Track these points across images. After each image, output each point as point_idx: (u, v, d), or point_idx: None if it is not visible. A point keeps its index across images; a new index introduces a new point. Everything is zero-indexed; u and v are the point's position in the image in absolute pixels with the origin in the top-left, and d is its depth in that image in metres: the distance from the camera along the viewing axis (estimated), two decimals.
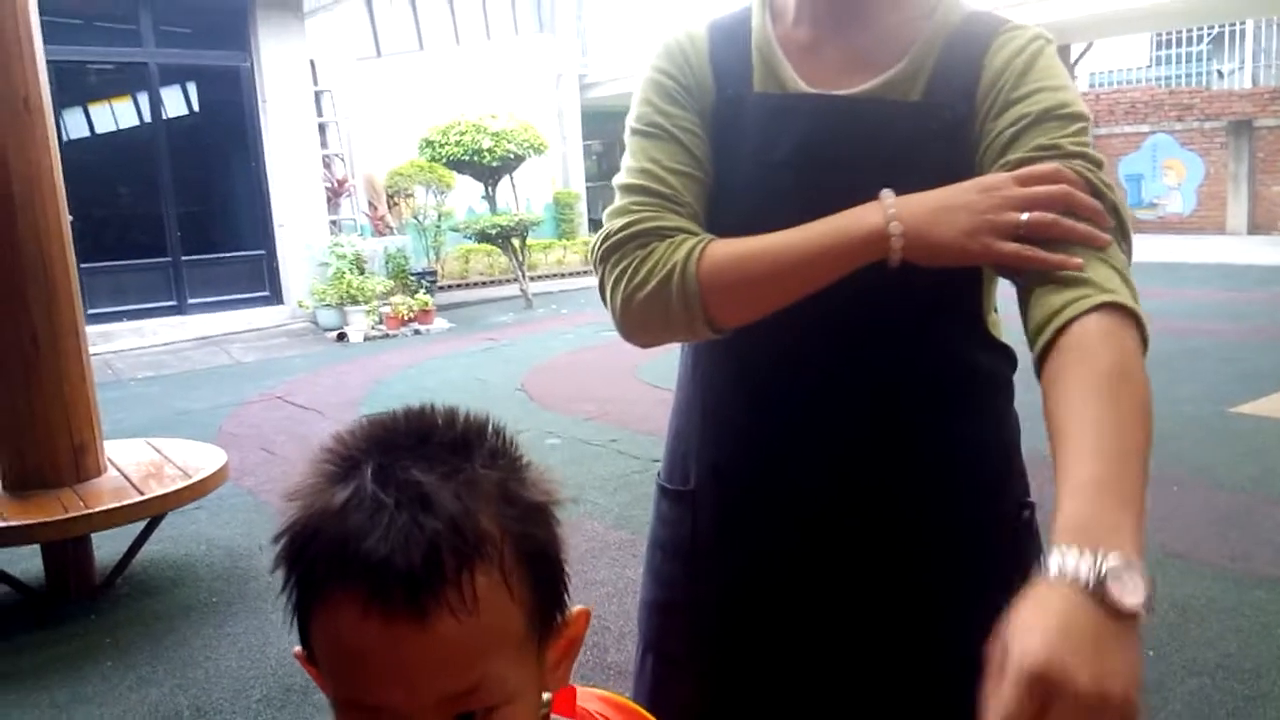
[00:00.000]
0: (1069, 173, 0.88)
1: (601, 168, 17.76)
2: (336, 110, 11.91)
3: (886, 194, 0.90)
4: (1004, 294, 1.00)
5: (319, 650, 0.59)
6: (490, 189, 11.21)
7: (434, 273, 11.67)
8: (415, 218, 12.18)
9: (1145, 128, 15.65)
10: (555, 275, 13.51)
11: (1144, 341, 0.82)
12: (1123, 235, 0.89)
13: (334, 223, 11.32)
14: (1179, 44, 21.71)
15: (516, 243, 11.12)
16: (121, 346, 9.32)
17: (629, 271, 0.96)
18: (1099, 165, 0.91)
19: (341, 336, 9.63)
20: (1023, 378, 1.00)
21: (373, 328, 9.78)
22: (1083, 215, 0.87)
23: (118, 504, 3.28)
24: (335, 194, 11.56)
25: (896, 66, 0.98)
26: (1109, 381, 0.76)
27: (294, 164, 10.57)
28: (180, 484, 3.42)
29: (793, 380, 1.01)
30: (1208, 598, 3.06)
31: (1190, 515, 3.76)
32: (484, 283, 12.94)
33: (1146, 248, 10.91)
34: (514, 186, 11.54)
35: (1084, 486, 0.68)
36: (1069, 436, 0.74)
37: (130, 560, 3.62)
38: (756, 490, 1.04)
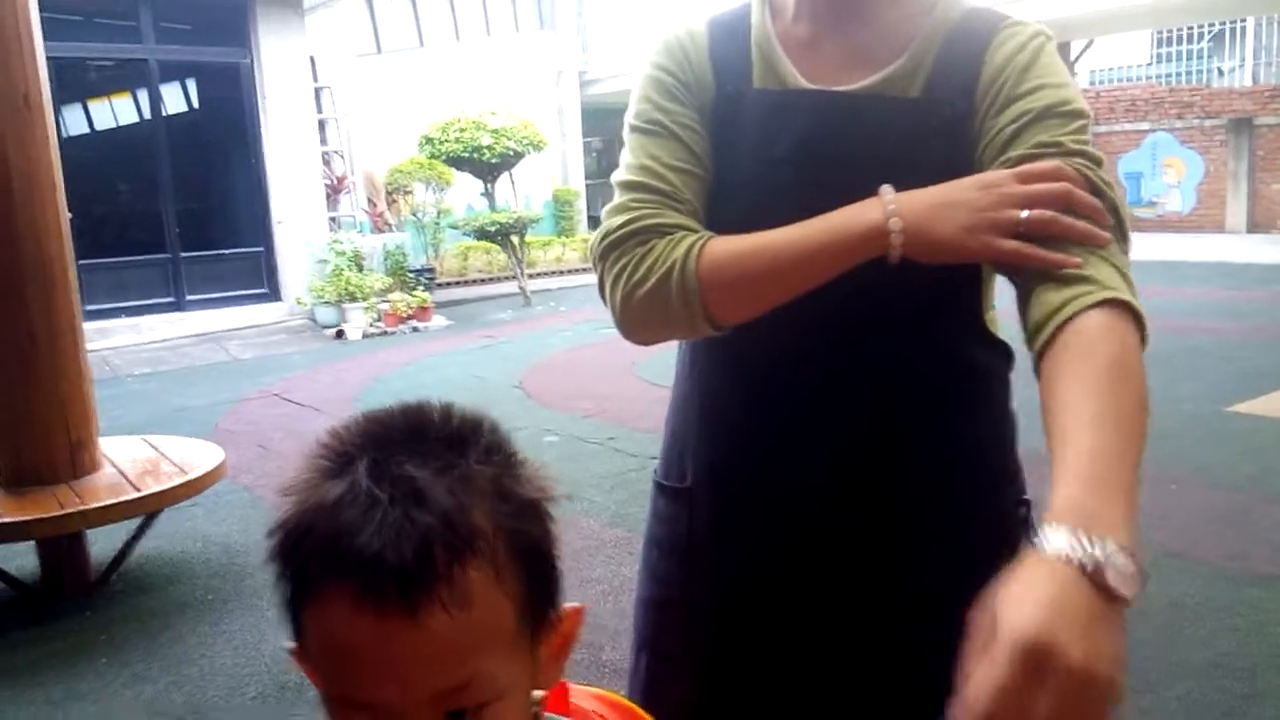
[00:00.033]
0: (1069, 170, 0.88)
1: (601, 165, 17.76)
2: (336, 107, 11.90)
3: (886, 190, 0.90)
4: (1001, 291, 1.00)
5: (311, 646, 0.59)
6: (489, 186, 11.21)
7: (432, 270, 11.66)
8: (414, 215, 12.18)
9: (1145, 125, 15.65)
10: (554, 273, 13.51)
11: (1143, 339, 0.82)
12: (1121, 234, 0.89)
13: (333, 219, 11.31)
14: (1179, 41, 21.71)
15: (515, 240, 11.12)
16: (119, 343, 9.32)
17: (628, 269, 0.96)
18: (1099, 163, 0.91)
19: (340, 334, 9.63)
20: (1020, 376, 1.00)
21: (371, 325, 9.78)
22: (1082, 213, 0.87)
23: (114, 500, 3.28)
24: (334, 191, 11.55)
25: (896, 63, 0.98)
26: (1108, 376, 0.76)
27: (293, 161, 10.57)
28: (177, 481, 3.42)
29: (792, 377, 1.01)
30: (1204, 596, 3.05)
31: (1188, 514, 3.76)
32: (482, 280, 12.94)
33: (1146, 246, 10.93)
34: (513, 183, 11.53)
35: (1081, 474, 0.69)
36: (1067, 428, 0.74)
37: (126, 557, 3.62)
38: (753, 488, 1.04)
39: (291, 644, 0.62)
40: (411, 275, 10.93)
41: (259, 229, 10.71)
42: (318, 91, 11.43)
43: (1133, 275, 0.87)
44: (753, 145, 0.99)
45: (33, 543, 3.47)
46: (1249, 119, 14.57)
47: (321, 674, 0.59)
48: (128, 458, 3.72)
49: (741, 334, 0.97)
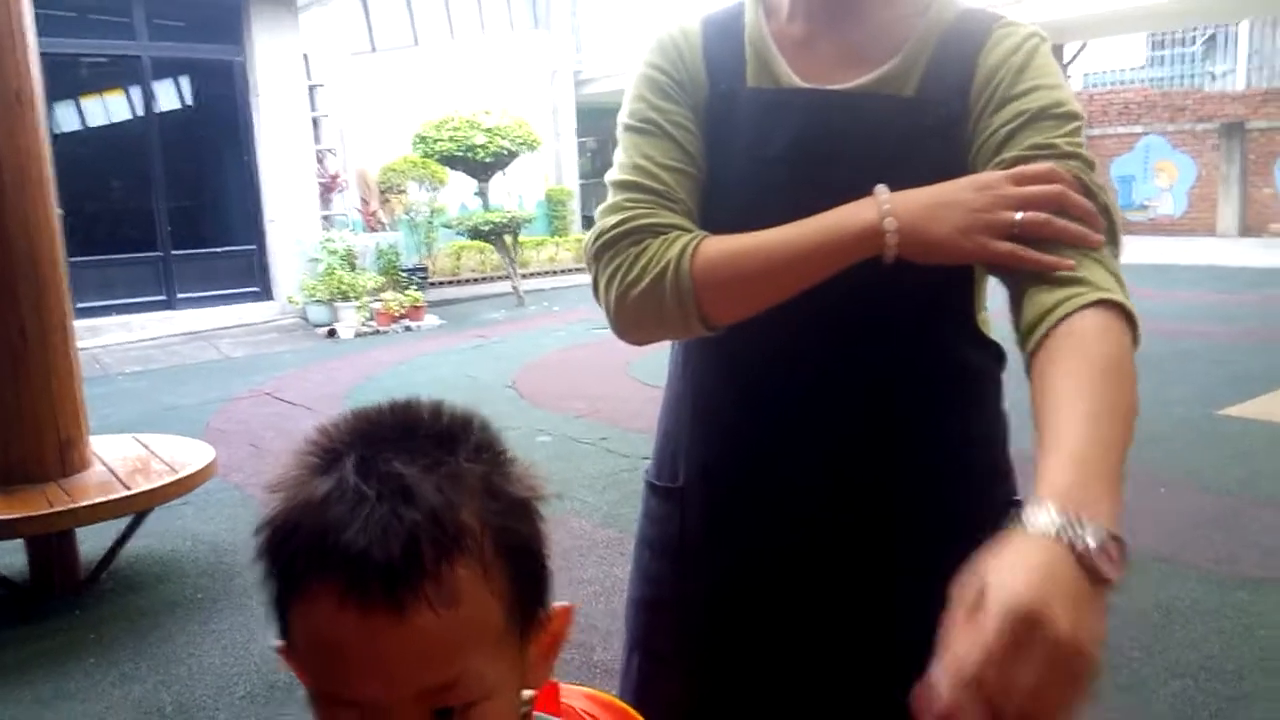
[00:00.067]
0: (1064, 173, 0.88)
1: (595, 165, 17.75)
2: (330, 105, 11.87)
3: (881, 190, 0.90)
4: (993, 292, 1.00)
5: (298, 643, 0.59)
6: (483, 185, 11.20)
7: (425, 269, 11.64)
8: (407, 214, 12.15)
9: (1138, 129, 15.71)
10: (547, 272, 13.50)
11: (1135, 340, 0.83)
12: (1113, 237, 0.90)
13: (326, 218, 11.29)
14: (1172, 45, 21.79)
15: (509, 239, 11.11)
16: (109, 341, 9.28)
17: (623, 269, 0.96)
18: (1091, 166, 0.91)
19: (332, 333, 9.60)
20: (1012, 377, 1.00)
21: (363, 324, 9.75)
22: (1076, 216, 0.87)
23: (103, 499, 3.26)
24: (327, 189, 11.52)
25: (890, 62, 0.98)
26: (1101, 373, 0.77)
27: (286, 159, 10.54)
28: (167, 479, 3.41)
29: (786, 377, 1.01)
30: (1192, 599, 3.07)
31: (1177, 517, 3.77)
32: (476, 279, 12.92)
33: (1138, 249, 10.97)
34: (507, 183, 11.52)
35: (1071, 464, 0.70)
36: (1058, 420, 0.75)
37: (115, 556, 3.61)
38: (745, 488, 1.04)
39: (279, 642, 0.62)
40: (404, 274, 10.91)
41: (251, 227, 10.68)
42: (311, 89, 11.40)
43: (1124, 278, 0.87)
44: (746, 144, 0.99)
45: (21, 541, 3.46)
46: (1241, 123, 14.63)
47: (308, 671, 0.59)
48: (118, 456, 3.70)
49: (735, 334, 0.97)
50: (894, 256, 0.89)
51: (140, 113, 10.41)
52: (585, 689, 0.82)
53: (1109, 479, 0.69)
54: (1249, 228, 14.65)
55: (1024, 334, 0.86)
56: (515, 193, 12.89)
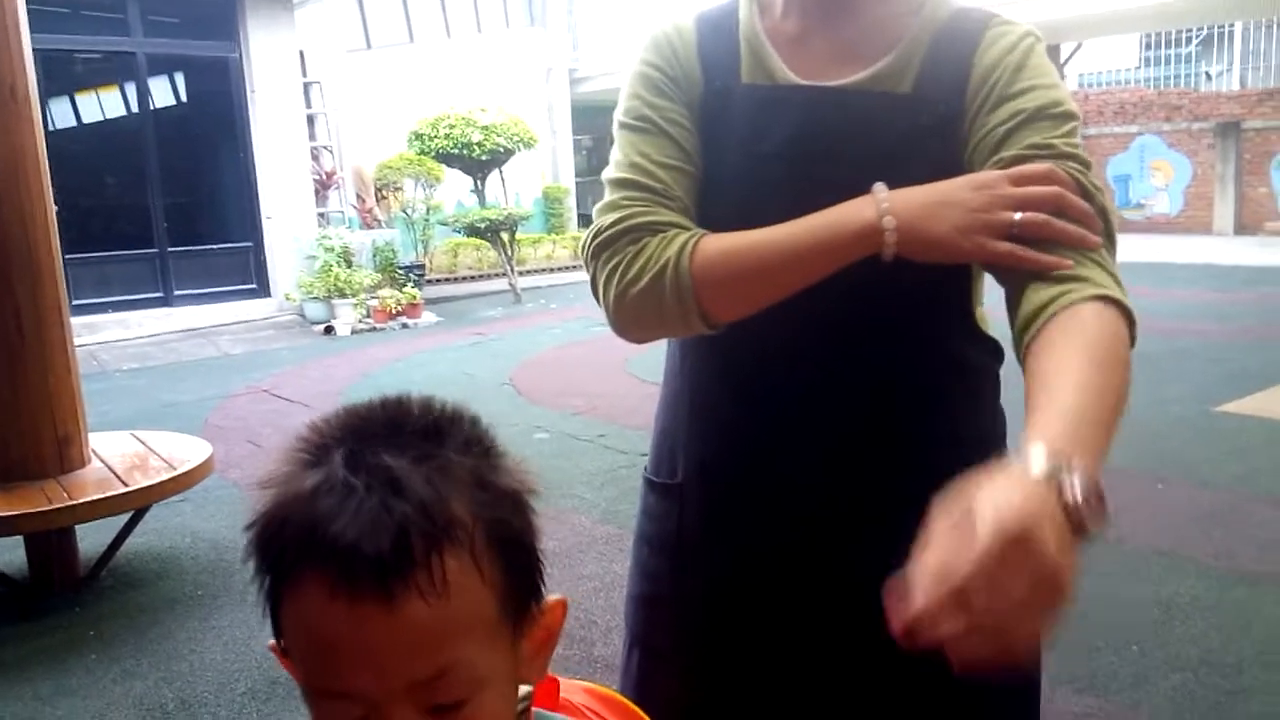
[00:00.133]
0: (1062, 174, 0.89)
1: (591, 162, 17.74)
2: (325, 102, 11.86)
3: (879, 188, 0.90)
4: (989, 287, 1.01)
5: (290, 637, 0.59)
6: (479, 183, 11.19)
7: (422, 266, 11.63)
8: (404, 211, 12.14)
9: (1133, 128, 15.73)
10: (544, 270, 13.49)
11: (1132, 339, 0.84)
12: (1110, 239, 0.90)
13: (322, 215, 11.28)
14: (1168, 45, 21.81)
15: (505, 237, 11.10)
16: (107, 338, 9.27)
17: (621, 267, 0.96)
18: (1089, 167, 0.92)
19: (329, 330, 9.60)
20: (1009, 378, 1.00)
21: (360, 321, 9.75)
22: (1073, 217, 0.88)
23: (102, 495, 3.26)
24: (323, 186, 11.51)
25: (885, 59, 0.98)
26: (1096, 353, 0.78)
27: (282, 156, 10.53)
28: (165, 476, 3.41)
29: (785, 375, 1.01)
30: (1191, 595, 3.08)
31: (1175, 513, 3.78)
32: (472, 277, 12.91)
33: (1134, 248, 10.98)
34: (503, 180, 11.52)
35: (1060, 417, 0.72)
36: (1050, 384, 0.77)
37: (115, 552, 3.61)
38: (743, 485, 1.04)
39: (272, 641, 0.62)
40: (401, 272, 10.90)
41: (248, 224, 10.67)
42: (307, 86, 11.39)
43: (1121, 278, 0.88)
44: (741, 140, 1.00)
45: (20, 538, 3.46)
46: (1236, 122, 14.65)
47: (301, 665, 0.59)
48: (116, 453, 3.70)
49: (732, 331, 0.97)
50: (892, 255, 0.89)
51: (135, 109, 10.39)
52: (585, 684, 0.82)
53: (1096, 441, 0.71)
54: (1244, 226, 14.67)
55: (1020, 329, 0.87)
56: (512, 190, 12.87)
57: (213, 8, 10.26)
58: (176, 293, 10.27)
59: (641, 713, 0.83)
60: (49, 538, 3.39)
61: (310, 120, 11.36)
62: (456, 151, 10.62)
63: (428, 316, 10.15)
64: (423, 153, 11.00)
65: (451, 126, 10.60)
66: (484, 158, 10.74)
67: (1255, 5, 13.81)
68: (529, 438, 5.23)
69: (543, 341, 8.50)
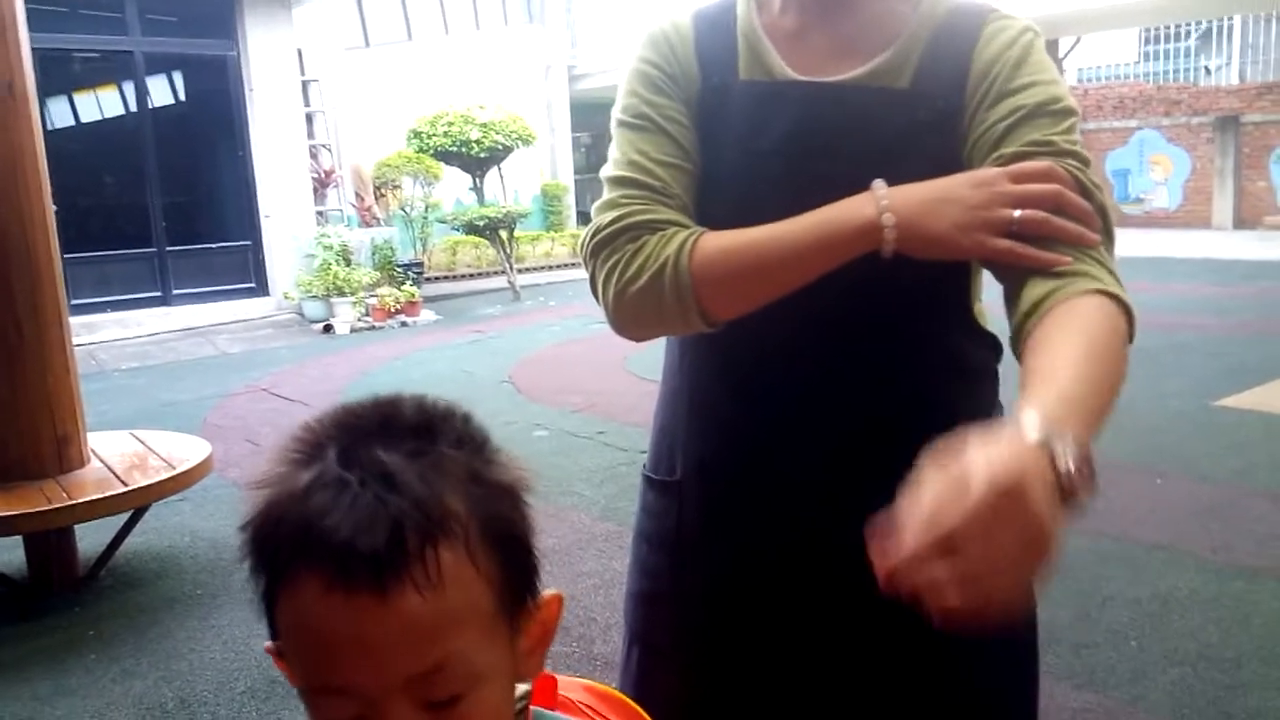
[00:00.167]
0: (1061, 172, 0.88)
1: (590, 160, 17.73)
2: (324, 100, 11.85)
3: (879, 185, 0.90)
4: (988, 284, 1.01)
5: (286, 636, 0.58)
6: (478, 180, 11.18)
7: (421, 264, 11.63)
8: (402, 209, 12.13)
9: (1133, 123, 15.72)
10: (543, 267, 13.49)
11: (1130, 335, 0.84)
12: (1108, 237, 0.90)
13: (320, 214, 11.27)
14: (1167, 40, 21.80)
15: (504, 235, 11.10)
16: (106, 337, 9.27)
17: (620, 266, 0.96)
18: (1087, 164, 0.92)
19: (328, 328, 9.59)
20: (1007, 374, 1.00)
21: (359, 319, 9.74)
22: (1073, 215, 0.88)
23: (101, 495, 3.26)
24: (322, 184, 11.50)
25: (883, 55, 0.98)
26: (1094, 345, 0.79)
27: (280, 154, 10.52)
28: (164, 475, 3.41)
29: (784, 373, 1.01)
30: (1190, 589, 3.08)
31: (1174, 507, 3.79)
32: (471, 275, 12.91)
33: (1133, 243, 10.97)
34: (502, 178, 11.51)
35: (1055, 389, 0.73)
36: (1045, 360, 0.78)
37: (114, 552, 3.61)
38: (742, 483, 1.04)
39: (269, 642, 0.62)
40: (400, 270, 10.90)
41: (246, 223, 10.66)
42: (305, 84, 11.38)
43: (1120, 275, 0.88)
44: (739, 137, 0.99)
45: (20, 538, 3.46)
46: (1235, 117, 14.65)
47: (298, 663, 0.58)
48: (115, 452, 3.70)
49: (731, 329, 0.97)
50: (892, 251, 0.89)
51: (134, 108, 10.38)
52: (584, 681, 0.82)
53: (1088, 419, 0.71)
54: (1243, 221, 14.68)
55: (1019, 323, 0.87)
56: (510, 188, 12.86)
57: (210, 6, 10.25)
58: (175, 292, 10.26)
59: (641, 710, 0.83)
60: (48, 537, 3.39)
61: (309, 118, 11.34)
62: (455, 149, 10.61)
63: (426, 314, 10.15)
64: (421, 150, 10.99)
65: (450, 124, 10.59)
66: (482, 155, 10.73)
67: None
68: (528, 435, 5.23)
69: (542, 339, 8.50)
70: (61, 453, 3.48)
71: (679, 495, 1.09)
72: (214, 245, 10.68)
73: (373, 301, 9.85)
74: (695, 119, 1.02)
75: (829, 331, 0.98)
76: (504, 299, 11.22)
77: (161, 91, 11.01)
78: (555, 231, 14.71)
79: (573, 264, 13.14)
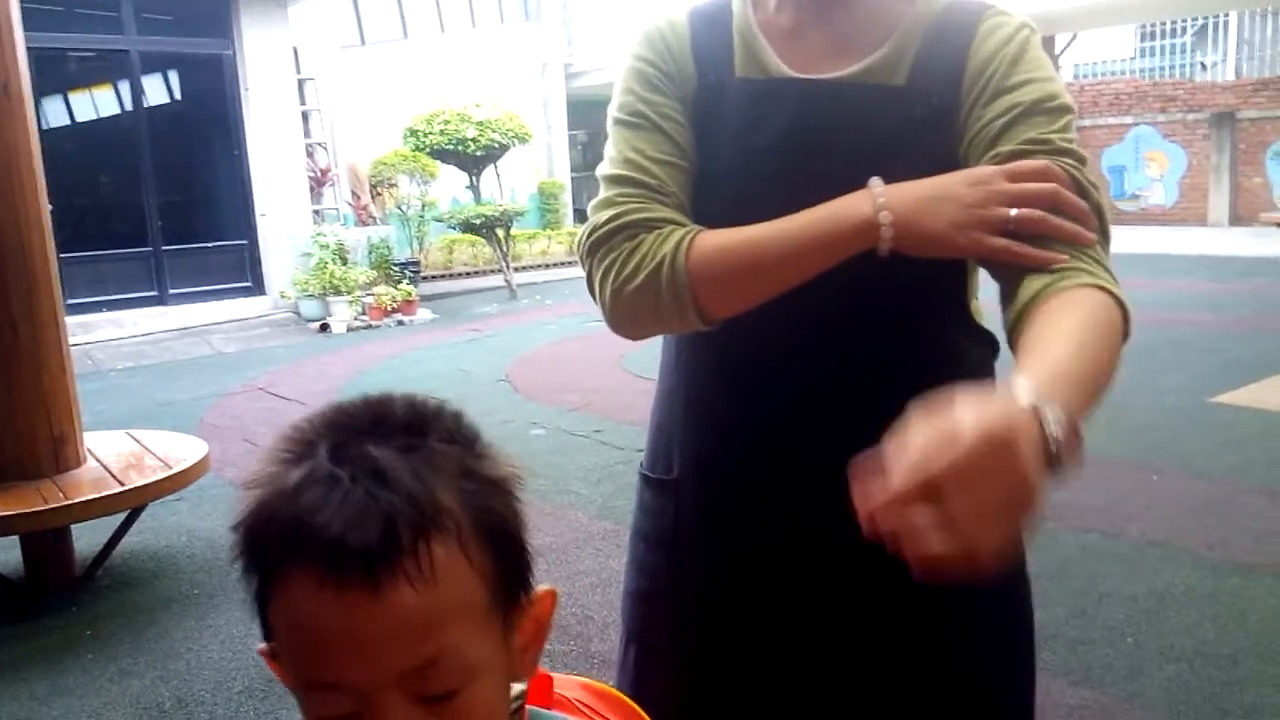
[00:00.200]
0: (1058, 170, 0.89)
1: (586, 158, 17.72)
2: (320, 98, 11.82)
3: (875, 182, 0.90)
4: (984, 281, 1.01)
5: (278, 634, 0.58)
6: (474, 179, 11.17)
7: (417, 263, 11.61)
8: (399, 207, 12.12)
9: (1128, 119, 15.72)
10: (539, 266, 13.48)
11: (1126, 333, 0.84)
12: (1104, 235, 0.90)
13: (317, 212, 11.25)
14: (1163, 36, 21.82)
15: (501, 233, 11.09)
16: (101, 337, 9.25)
17: (617, 264, 0.96)
18: (1084, 162, 0.92)
19: (324, 327, 9.58)
20: (1005, 371, 1.00)
21: (356, 318, 9.73)
22: (1069, 214, 0.88)
23: (98, 495, 3.25)
24: (318, 183, 11.48)
25: (879, 52, 0.98)
26: (1087, 333, 0.79)
27: (277, 153, 10.50)
28: (161, 475, 3.40)
29: (781, 371, 1.01)
30: (1186, 585, 3.08)
31: (1170, 503, 3.79)
32: (468, 273, 12.90)
33: (1129, 239, 10.99)
34: (498, 176, 11.49)
35: (1048, 363, 0.74)
36: (1040, 340, 0.78)
37: (111, 552, 3.60)
38: (739, 481, 1.04)
39: (261, 645, 0.61)
40: (396, 268, 10.89)
41: (242, 222, 10.64)
42: (301, 83, 11.35)
43: (1115, 269, 0.88)
44: (735, 134, 0.99)
45: (16, 538, 3.45)
46: (1231, 113, 14.65)
47: (291, 661, 0.58)
48: (111, 452, 3.70)
49: (727, 327, 0.97)
50: (888, 250, 0.89)
51: (129, 107, 10.35)
52: (580, 679, 0.82)
53: (1079, 394, 0.72)
54: (1240, 217, 14.68)
55: (1014, 318, 0.87)
56: (507, 186, 12.86)
57: (206, 5, 10.23)
58: (171, 291, 10.24)
59: (638, 708, 0.83)
60: (45, 537, 3.38)
61: (305, 117, 11.32)
62: (451, 147, 10.60)
63: (423, 313, 10.14)
64: (418, 149, 10.97)
65: (446, 122, 10.58)
66: (479, 153, 10.72)
67: None
68: (525, 434, 5.23)
69: (538, 337, 8.50)
70: (58, 453, 3.48)
71: (676, 493, 1.09)
72: (210, 244, 10.66)
73: (369, 300, 9.84)
74: (691, 117, 1.02)
75: (825, 329, 0.98)
76: (500, 297, 11.21)
77: (157, 90, 10.98)
78: (552, 230, 14.71)
79: (569, 262, 13.14)
